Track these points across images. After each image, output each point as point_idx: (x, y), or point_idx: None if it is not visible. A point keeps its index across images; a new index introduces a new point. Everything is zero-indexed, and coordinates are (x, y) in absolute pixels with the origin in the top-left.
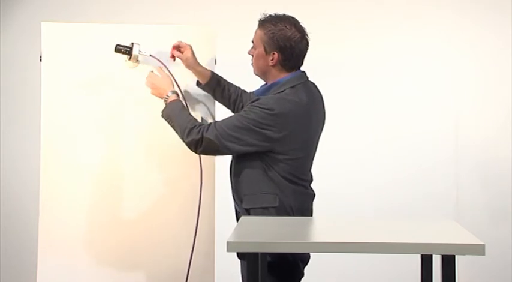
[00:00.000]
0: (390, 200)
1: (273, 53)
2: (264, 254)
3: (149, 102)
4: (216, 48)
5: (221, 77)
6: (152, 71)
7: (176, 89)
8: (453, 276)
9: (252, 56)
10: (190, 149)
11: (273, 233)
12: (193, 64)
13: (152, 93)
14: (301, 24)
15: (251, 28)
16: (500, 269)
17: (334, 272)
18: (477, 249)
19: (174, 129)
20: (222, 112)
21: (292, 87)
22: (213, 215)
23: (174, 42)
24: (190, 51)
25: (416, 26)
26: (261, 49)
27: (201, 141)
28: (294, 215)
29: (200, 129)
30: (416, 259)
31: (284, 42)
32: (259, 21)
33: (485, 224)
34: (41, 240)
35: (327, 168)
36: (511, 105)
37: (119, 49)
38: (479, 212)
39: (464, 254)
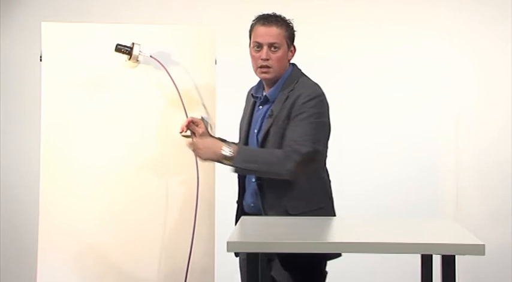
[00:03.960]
0: (390, 200)
1: (293, 47)
2: (264, 254)
3: (149, 102)
4: (215, 48)
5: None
6: (192, 139)
7: (205, 116)
8: (453, 276)
9: (268, 60)
10: (292, 176)
11: (273, 233)
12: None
13: (204, 158)
14: None
15: None
16: (500, 269)
17: (334, 272)
18: (477, 249)
19: (260, 171)
20: (222, 112)
21: (303, 74)
22: (213, 215)
23: (176, 44)
24: (203, 126)
25: (416, 26)
26: (285, 47)
27: (303, 159)
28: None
29: (293, 152)
30: (416, 259)
31: (294, 36)
32: (275, 20)
33: (485, 224)
34: (41, 240)
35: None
36: (511, 105)
37: (119, 49)
38: (479, 212)
39: (464, 254)
